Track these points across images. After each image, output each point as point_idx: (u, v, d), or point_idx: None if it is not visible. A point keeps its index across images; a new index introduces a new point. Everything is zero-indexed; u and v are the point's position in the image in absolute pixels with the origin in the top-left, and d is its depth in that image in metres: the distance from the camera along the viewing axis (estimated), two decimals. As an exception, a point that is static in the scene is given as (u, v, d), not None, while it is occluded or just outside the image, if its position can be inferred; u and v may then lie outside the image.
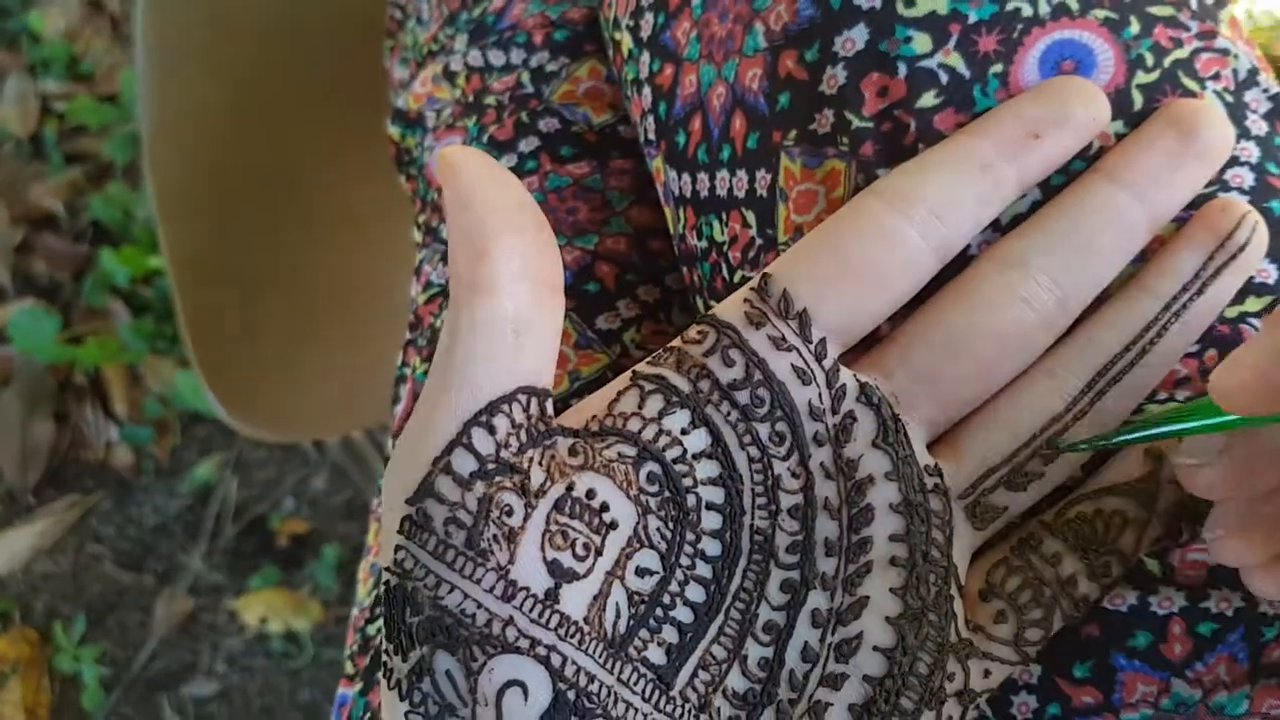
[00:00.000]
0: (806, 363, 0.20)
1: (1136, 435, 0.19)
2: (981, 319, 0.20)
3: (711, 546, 0.19)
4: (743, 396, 0.20)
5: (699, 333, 0.20)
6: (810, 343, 0.20)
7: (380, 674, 0.18)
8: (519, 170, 0.31)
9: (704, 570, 0.19)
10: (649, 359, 0.20)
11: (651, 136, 0.27)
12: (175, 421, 0.86)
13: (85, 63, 0.93)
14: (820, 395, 0.20)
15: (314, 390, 0.65)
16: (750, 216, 0.24)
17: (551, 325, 0.19)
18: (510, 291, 0.18)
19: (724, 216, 0.25)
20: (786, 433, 0.20)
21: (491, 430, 0.18)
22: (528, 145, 0.32)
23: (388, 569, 0.18)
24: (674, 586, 0.19)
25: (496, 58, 0.33)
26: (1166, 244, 0.21)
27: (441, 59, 0.35)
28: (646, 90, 0.27)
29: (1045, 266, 0.20)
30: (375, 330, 0.63)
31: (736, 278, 0.25)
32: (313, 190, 0.61)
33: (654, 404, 0.20)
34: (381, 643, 0.18)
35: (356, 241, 0.62)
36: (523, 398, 0.18)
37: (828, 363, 0.20)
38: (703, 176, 0.25)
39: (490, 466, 0.18)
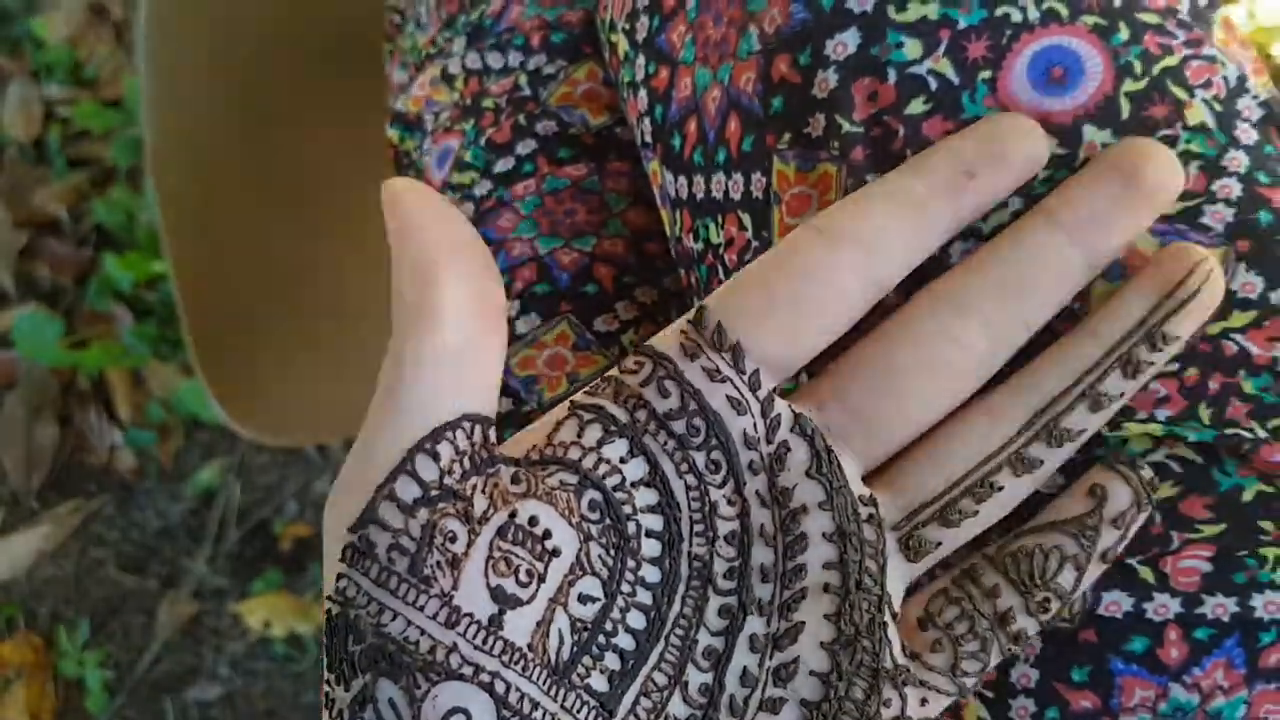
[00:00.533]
0: (741, 393, 0.20)
1: None
2: (912, 357, 0.21)
3: (651, 573, 0.20)
4: (679, 426, 0.20)
5: (636, 363, 0.21)
6: (744, 374, 0.20)
7: (323, 704, 0.18)
8: (517, 173, 0.32)
9: (644, 597, 0.19)
10: (587, 388, 0.21)
11: (648, 139, 0.27)
12: (178, 426, 0.86)
13: (88, 68, 0.93)
14: (755, 425, 0.20)
15: (316, 393, 0.65)
16: (746, 219, 0.24)
17: (495, 353, 0.19)
18: (454, 319, 0.18)
19: (720, 219, 0.25)
20: (722, 461, 0.20)
21: (435, 457, 0.18)
22: (525, 147, 0.32)
23: (329, 598, 0.18)
24: (615, 613, 0.19)
25: (494, 60, 0.33)
26: (1118, 289, 0.21)
27: (440, 62, 0.35)
28: (643, 93, 0.27)
29: (978, 307, 0.21)
30: (378, 334, 0.63)
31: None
32: (315, 195, 0.61)
33: (593, 433, 0.20)
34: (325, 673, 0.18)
35: (358, 245, 0.62)
36: (467, 425, 0.18)
37: (762, 393, 0.20)
38: (698, 179, 0.25)
39: (434, 493, 0.18)
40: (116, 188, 0.90)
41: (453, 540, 0.18)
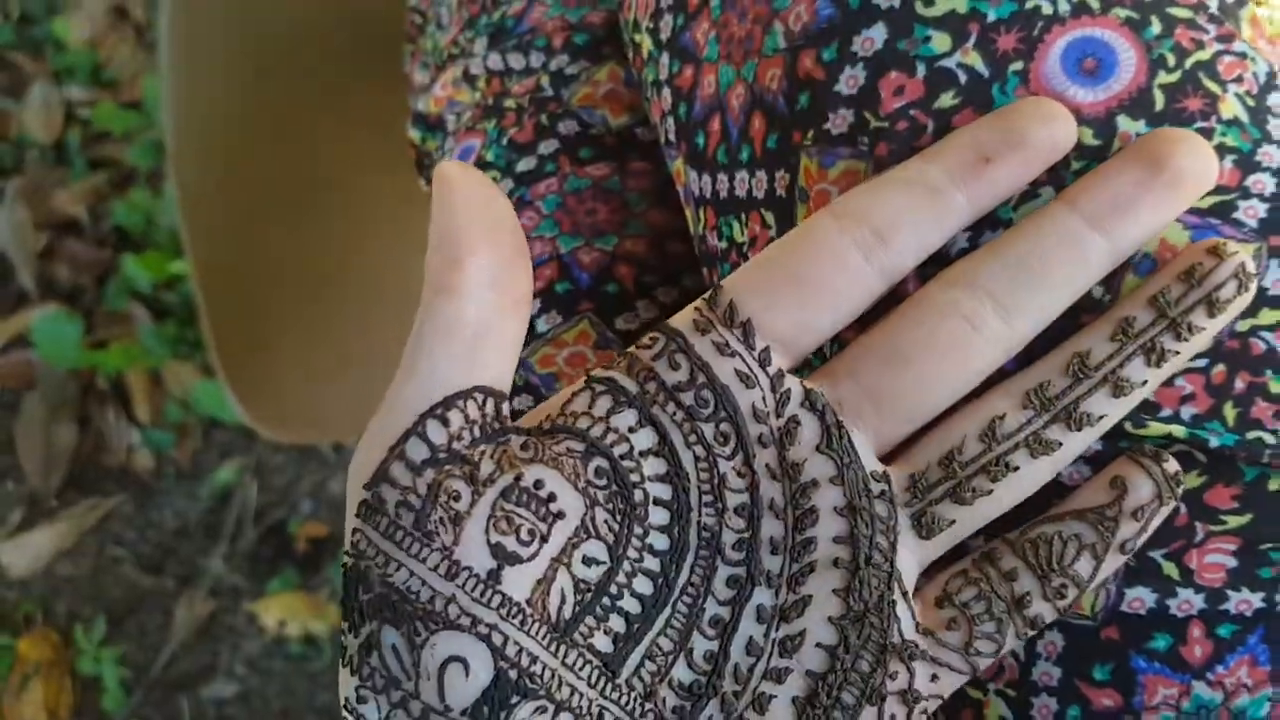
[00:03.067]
0: (750, 368, 0.21)
1: None
2: (925, 335, 0.21)
3: (659, 541, 0.20)
4: (687, 398, 0.20)
5: (650, 339, 0.21)
6: (754, 350, 0.21)
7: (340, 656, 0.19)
8: (539, 172, 0.32)
9: (652, 564, 0.20)
10: (604, 364, 0.21)
11: (672, 138, 0.27)
12: (196, 426, 0.86)
13: (108, 70, 0.94)
14: (764, 399, 0.21)
15: (335, 392, 0.65)
16: (769, 217, 0.24)
17: (513, 334, 0.20)
18: (475, 297, 0.19)
19: (743, 217, 0.25)
20: (731, 433, 0.20)
21: (445, 423, 0.19)
22: (547, 148, 0.32)
23: (346, 551, 0.19)
24: (621, 578, 0.20)
25: (516, 61, 0.33)
26: (1146, 279, 0.21)
27: (461, 62, 0.35)
28: (666, 91, 0.27)
29: (991, 288, 0.21)
30: (396, 333, 0.63)
31: None
32: (335, 195, 0.61)
33: (603, 404, 0.20)
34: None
35: (378, 245, 0.63)
36: (479, 396, 0.19)
37: (772, 369, 0.21)
38: (722, 177, 0.25)
39: (441, 456, 0.19)
40: (136, 189, 0.91)
41: (456, 499, 0.19)
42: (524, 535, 0.19)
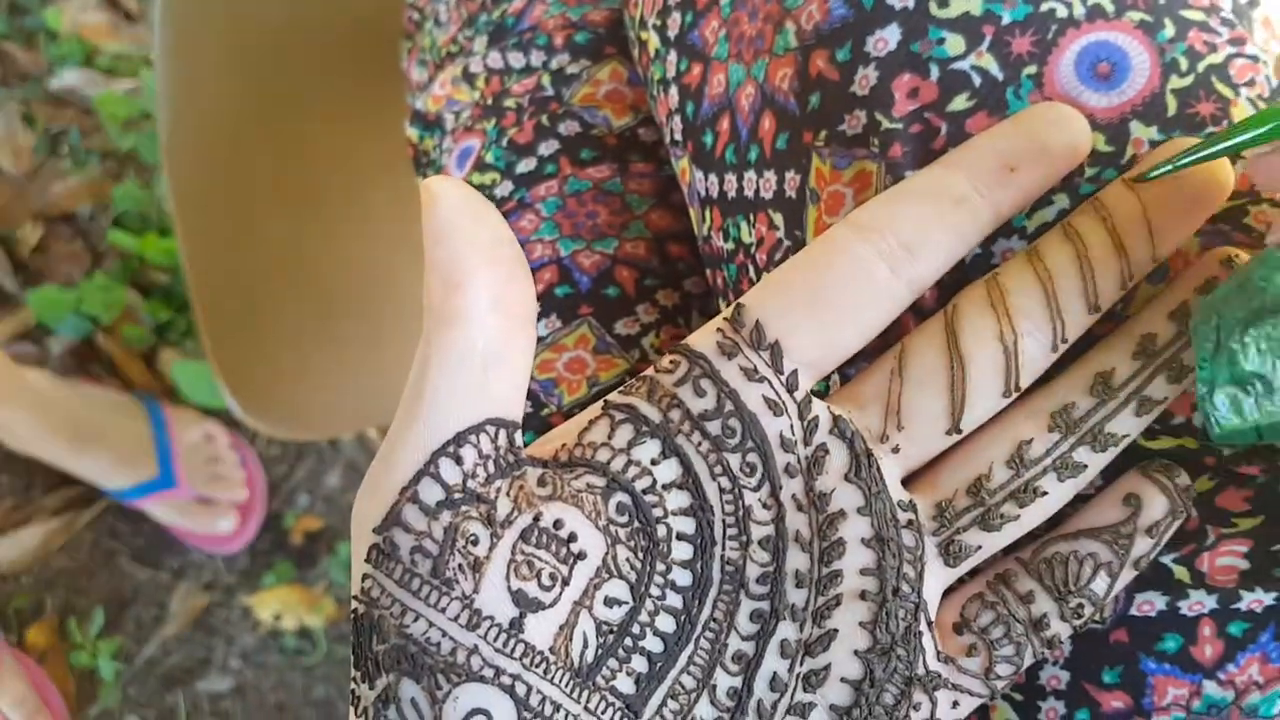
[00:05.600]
0: (778, 394, 0.20)
1: (1219, 147, 0.19)
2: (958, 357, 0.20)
3: (682, 577, 0.19)
4: (714, 427, 0.20)
5: (671, 362, 0.20)
6: (782, 374, 0.20)
7: (350, 701, 0.19)
8: (539, 174, 0.31)
9: (674, 600, 0.19)
10: (621, 388, 0.21)
11: (678, 137, 0.27)
12: (191, 418, 0.86)
13: (102, 58, 0.93)
14: (792, 427, 0.20)
15: (330, 388, 0.65)
16: (778, 218, 0.24)
17: (522, 358, 0.19)
18: (480, 324, 0.18)
19: (751, 218, 0.25)
20: (758, 464, 0.20)
21: (459, 460, 0.18)
22: (547, 148, 0.31)
23: (355, 597, 0.18)
24: (644, 616, 0.19)
25: (516, 60, 0.33)
26: (1160, 292, 0.21)
27: (461, 61, 0.35)
28: (673, 90, 0.27)
29: (1025, 310, 0.20)
30: (392, 329, 0.63)
31: (763, 279, 0.24)
32: (330, 189, 0.61)
33: (624, 434, 0.20)
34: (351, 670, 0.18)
35: (373, 240, 0.62)
36: (491, 429, 0.18)
37: (800, 394, 0.20)
38: (730, 177, 0.25)
39: (457, 496, 0.18)
40: (132, 178, 0.90)
41: (474, 543, 0.18)
42: (545, 580, 0.18)
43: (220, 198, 0.60)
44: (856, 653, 0.20)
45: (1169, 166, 0.19)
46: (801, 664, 0.20)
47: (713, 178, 0.26)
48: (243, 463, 0.83)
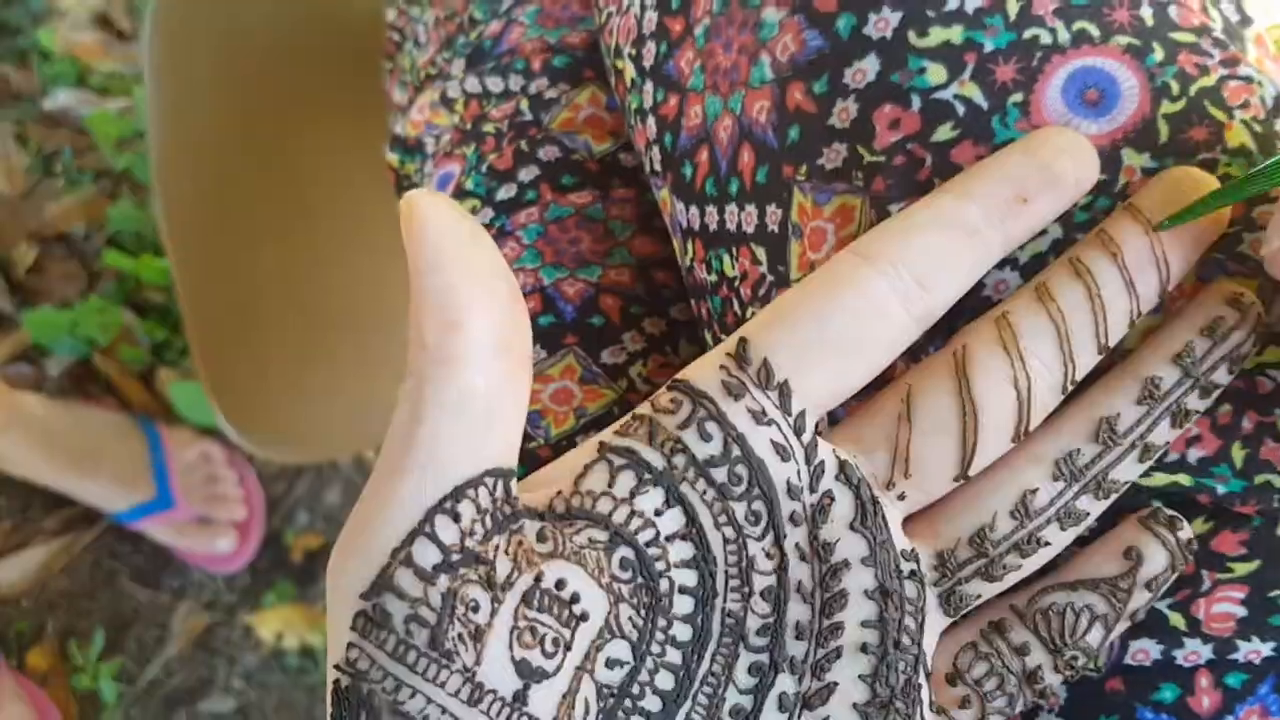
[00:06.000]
0: (786, 438, 0.19)
1: (1237, 194, 0.18)
2: (977, 400, 0.19)
3: (682, 632, 0.18)
4: (720, 474, 0.19)
5: (672, 401, 0.19)
6: (790, 415, 0.19)
7: None
8: (519, 200, 0.31)
9: (674, 656, 0.18)
10: (617, 427, 0.19)
11: (658, 167, 0.26)
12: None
13: (94, 77, 0.93)
14: (799, 473, 0.19)
15: (324, 410, 0.65)
16: (760, 253, 0.23)
17: (521, 399, 0.18)
18: (483, 367, 0.17)
19: (734, 251, 0.24)
20: (763, 512, 0.19)
21: (456, 518, 0.17)
22: (528, 174, 0.31)
23: (338, 667, 0.17)
24: (644, 675, 0.18)
25: (495, 84, 0.32)
26: (1158, 326, 0.20)
27: (439, 84, 0.34)
28: (651, 120, 0.26)
29: (1038, 353, 0.19)
30: (385, 350, 0.63)
31: (748, 313, 0.24)
32: (321, 209, 0.60)
33: (625, 481, 0.18)
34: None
35: (365, 261, 0.62)
36: (489, 480, 0.17)
37: (806, 437, 0.19)
38: (711, 209, 0.24)
39: (455, 558, 0.17)
40: (127, 198, 0.90)
41: (475, 610, 0.17)
42: (548, 646, 0.17)
43: (211, 218, 0.60)
44: (855, 706, 0.19)
45: (1189, 215, 0.19)
46: (799, 717, 0.19)
47: (694, 209, 0.25)
48: (241, 481, 0.83)
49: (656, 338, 0.29)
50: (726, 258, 0.24)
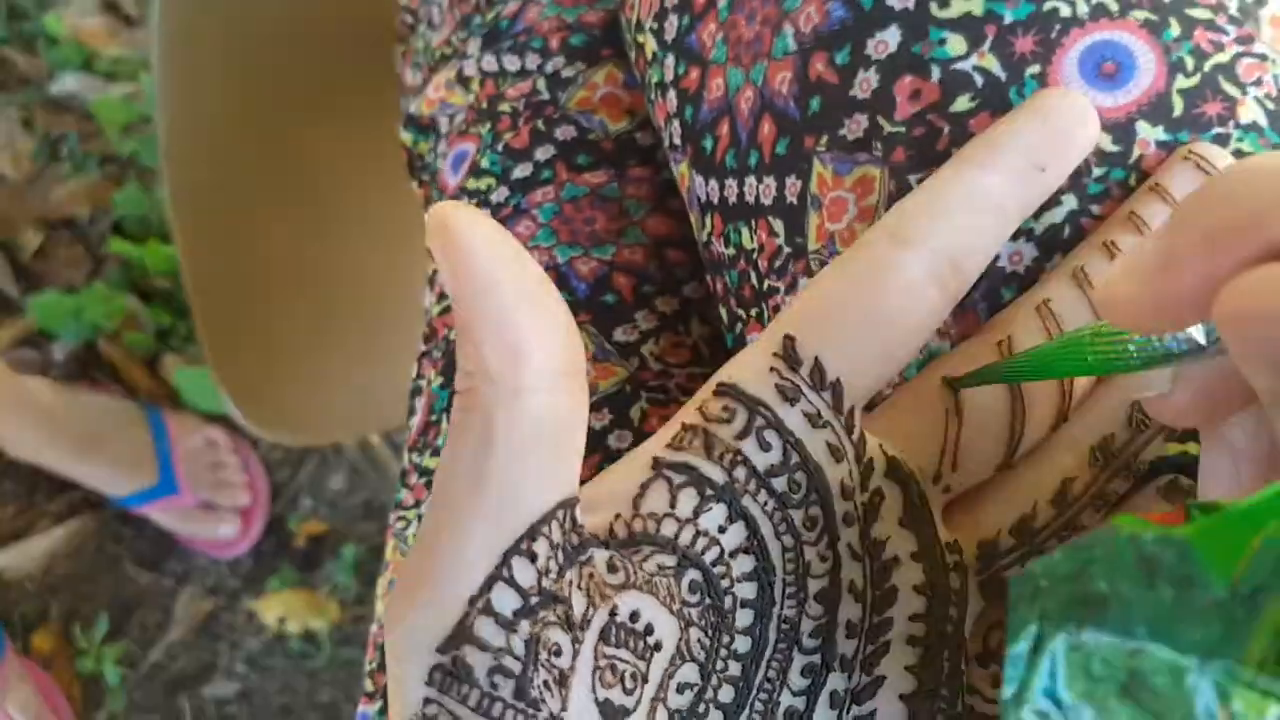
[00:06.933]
0: (840, 439, 0.19)
1: (1025, 369, 0.18)
2: (1004, 392, 0.20)
3: (742, 644, 0.18)
4: (780, 483, 0.18)
5: (725, 410, 0.18)
6: (842, 415, 0.19)
7: None
8: (535, 179, 0.31)
9: (734, 669, 0.18)
10: (669, 440, 0.18)
11: (677, 141, 0.27)
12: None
13: (100, 63, 0.93)
14: (851, 473, 0.19)
15: (330, 393, 0.65)
16: (778, 225, 0.23)
17: (583, 425, 0.17)
18: (550, 396, 0.16)
19: (752, 223, 0.24)
20: (819, 516, 0.19)
21: (533, 558, 0.16)
22: (544, 154, 0.31)
23: None
24: (708, 694, 0.18)
25: (511, 63, 0.33)
26: None
27: (455, 63, 0.34)
28: (671, 94, 0.26)
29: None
30: (392, 333, 0.63)
31: (765, 286, 0.24)
32: (329, 194, 0.61)
33: (687, 500, 0.18)
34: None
35: (372, 245, 0.62)
36: (560, 513, 0.16)
37: (855, 434, 0.19)
38: (730, 182, 0.25)
39: (534, 601, 0.16)
40: (133, 183, 0.90)
41: (558, 654, 0.16)
42: (628, 684, 0.17)
43: (219, 203, 0.60)
44: (901, 696, 0.19)
45: (976, 381, 0.19)
46: (848, 712, 0.19)
47: (713, 183, 0.25)
48: (245, 467, 0.83)
49: (669, 316, 0.29)
50: (745, 231, 0.25)
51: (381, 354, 0.64)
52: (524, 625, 0.16)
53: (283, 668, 0.82)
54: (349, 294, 0.63)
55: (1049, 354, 0.18)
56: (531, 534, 0.16)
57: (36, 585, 0.81)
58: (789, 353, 0.18)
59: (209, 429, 0.82)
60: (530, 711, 0.16)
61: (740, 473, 0.18)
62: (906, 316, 0.18)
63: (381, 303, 0.64)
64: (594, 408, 0.28)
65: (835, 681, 0.19)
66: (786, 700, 0.19)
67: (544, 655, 0.16)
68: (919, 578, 0.19)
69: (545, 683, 0.16)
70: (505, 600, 0.16)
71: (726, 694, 0.18)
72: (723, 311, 0.27)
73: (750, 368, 0.19)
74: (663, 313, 0.29)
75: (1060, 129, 0.19)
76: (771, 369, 0.18)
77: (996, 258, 0.21)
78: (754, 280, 0.25)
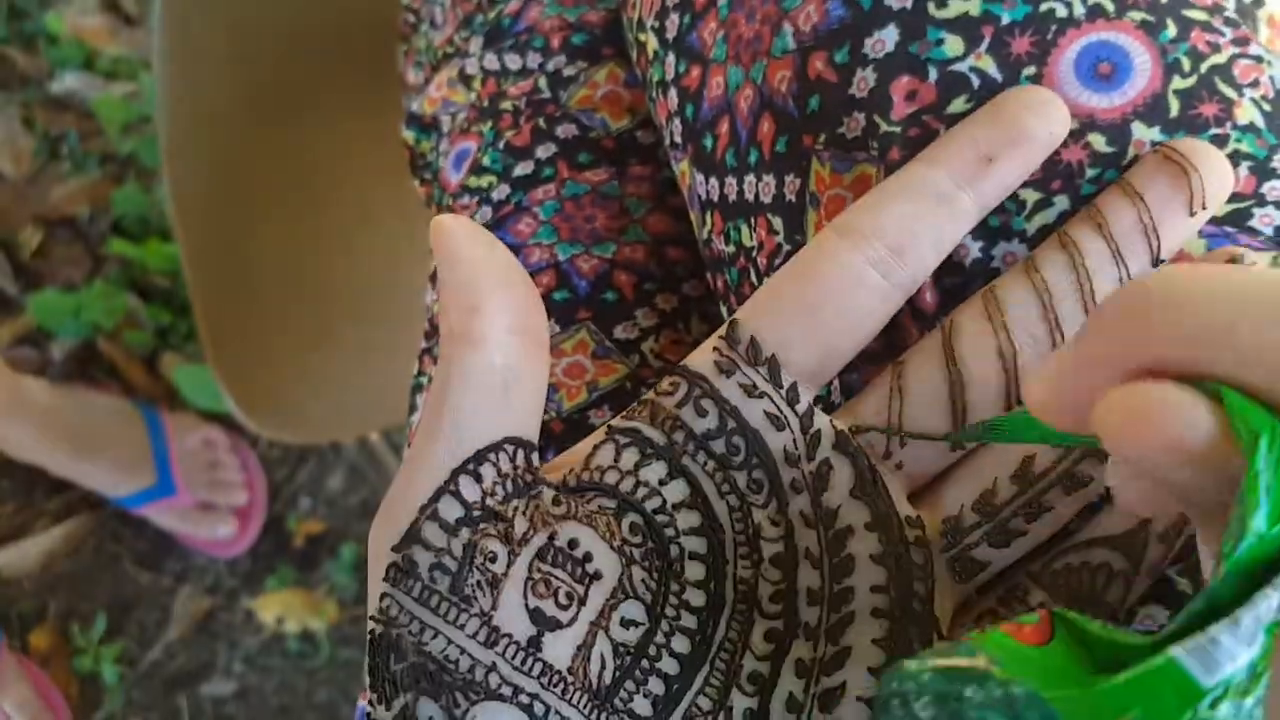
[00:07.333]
0: (779, 409, 0.20)
1: (986, 435, 0.19)
2: (971, 373, 0.20)
3: (696, 597, 0.19)
4: (718, 446, 0.20)
5: (670, 384, 0.20)
6: (781, 388, 0.20)
7: None
8: (536, 177, 0.31)
9: (689, 621, 0.19)
10: (624, 413, 0.21)
11: (678, 139, 0.27)
12: (192, 421, 0.86)
13: (102, 61, 0.93)
14: (795, 441, 0.20)
15: (330, 392, 0.65)
16: (777, 222, 0.24)
17: (538, 379, 0.19)
18: (500, 344, 0.18)
19: (752, 221, 0.24)
20: (764, 480, 0.20)
21: (478, 478, 0.18)
22: (545, 152, 0.31)
23: (373, 617, 0.18)
24: (659, 638, 0.19)
25: (513, 62, 0.33)
26: None
27: (457, 62, 0.35)
28: (673, 92, 0.27)
29: (1023, 322, 0.20)
30: (392, 331, 0.63)
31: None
32: (329, 193, 0.61)
33: (630, 456, 0.20)
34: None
35: (373, 244, 0.62)
36: (509, 448, 0.19)
37: (801, 407, 0.20)
38: (730, 180, 0.25)
39: (476, 514, 0.18)
40: (132, 182, 0.90)
41: (493, 560, 0.18)
42: (562, 599, 0.18)
43: (220, 201, 0.60)
44: (871, 670, 0.19)
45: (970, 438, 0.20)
46: (817, 683, 0.19)
47: (713, 181, 0.25)
48: (243, 467, 0.83)
49: (669, 314, 0.30)
50: (745, 228, 0.25)
51: (382, 352, 0.64)
52: (464, 532, 0.18)
53: (281, 667, 0.82)
54: (349, 292, 0.63)
55: (1005, 423, 0.19)
56: (478, 458, 0.18)
57: (34, 584, 0.81)
58: (730, 334, 0.20)
59: (207, 429, 0.82)
60: (462, 605, 0.18)
61: (679, 435, 0.20)
62: (844, 299, 0.20)
63: (382, 301, 0.64)
64: (595, 404, 0.28)
65: (800, 650, 0.19)
66: (750, 664, 0.19)
67: (480, 559, 0.18)
68: (876, 547, 0.20)
69: (479, 583, 0.18)
70: (450, 509, 0.18)
71: (681, 644, 0.19)
72: (723, 309, 0.27)
73: (699, 351, 0.21)
74: (663, 310, 0.29)
75: (1007, 118, 0.20)
76: (714, 348, 0.20)
77: (990, 258, 0.21)
78: (753, 278, 0.25)
